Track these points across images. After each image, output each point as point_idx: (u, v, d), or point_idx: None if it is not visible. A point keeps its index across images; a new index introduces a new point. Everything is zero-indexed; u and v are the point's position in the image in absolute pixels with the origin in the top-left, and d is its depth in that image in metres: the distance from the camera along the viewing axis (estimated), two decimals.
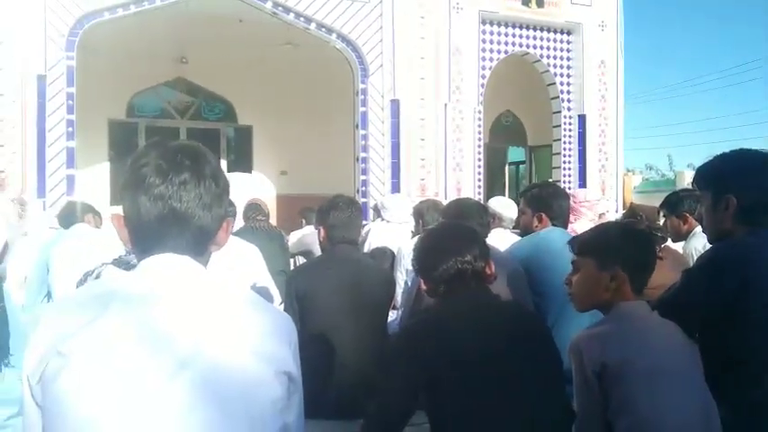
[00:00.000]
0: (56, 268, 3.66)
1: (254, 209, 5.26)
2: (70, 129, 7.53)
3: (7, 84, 7.13)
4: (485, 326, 1.87)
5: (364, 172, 9.00)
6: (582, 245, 2.01)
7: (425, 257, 2.02)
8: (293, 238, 6.05)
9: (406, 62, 8.86)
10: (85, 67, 7.80)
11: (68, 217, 3.82)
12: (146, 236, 1.21)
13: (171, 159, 1.20)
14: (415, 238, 4.12)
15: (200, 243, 1.23)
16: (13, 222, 5.52)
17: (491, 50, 9.64)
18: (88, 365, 1.08)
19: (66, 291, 3.35)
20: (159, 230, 1.19)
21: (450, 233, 2.07)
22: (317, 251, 5.01)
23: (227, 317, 1.18)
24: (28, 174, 7.28)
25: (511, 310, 2.09)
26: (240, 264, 3.54)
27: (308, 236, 5.72)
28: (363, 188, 9.00)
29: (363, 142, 8.97)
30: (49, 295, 3.89)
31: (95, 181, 9.83)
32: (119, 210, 1.28)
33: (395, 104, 8.86)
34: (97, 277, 2.62)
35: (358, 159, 9.08)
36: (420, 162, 8.97)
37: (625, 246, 1.96)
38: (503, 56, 9.75)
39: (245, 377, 1.15)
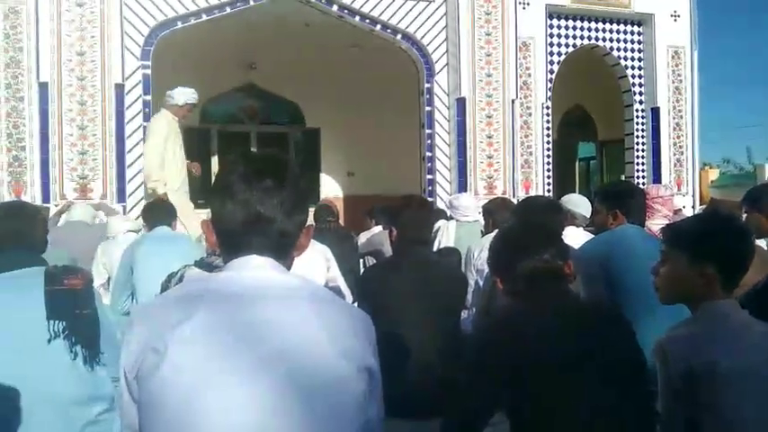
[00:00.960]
0: (140, 269, 3.81)
1: (325, 210, 5.34)
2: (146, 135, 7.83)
3: (90, 94, 7.47)
4: (565, 326, 1.85)
5: (430, 171, 8.99)
6: (674, 236, 1.89)
7: (502, 256, 2.01)
8: (362, 238, 6.10)
9: (472, 60, 8.80)
10: (160, 76, 8.08)
11: (152, 219, 3.96)
12: (232, 239, 1.28)
13: (256, 167, 1.28)
14: (485, 237, 4.11)
15: (282, 246, 1.29)
16: (94, 226, 5.79)
17: (559, 44, 9.46)
18: (181, 362, 1.13)
19: (150, 291, 3.48)
20: (244, 234, 1.26)
21: (528, 232, 2.05)
22: (387, 251, 5.04)
23: (310, 315, 1.23)
24: (108, 180, 7.60)
25: (592, 309, 2.05)
26: (313, 264, 3.60)
27: (376, 236, 5.76)
28: (429, 188, 9.00)
29: (429, 141, 8.97)
30: (132, 296, 4.04)
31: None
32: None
33: (461, 103, 8.82)
34: (180, 278, 2.72)
35: (424, 159, 9.08)
36: (487, 160, 8.90)
37: (723, 242, 1.82)
38: (571, 50, 9.56)
39: (330, 373, 1.19)
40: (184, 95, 6.79)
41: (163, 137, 6.62)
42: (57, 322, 2.40)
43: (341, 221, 6.58)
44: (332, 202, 5.87)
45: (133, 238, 4.43)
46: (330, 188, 11.81)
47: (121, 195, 7.67)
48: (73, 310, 2.44)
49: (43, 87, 7.35)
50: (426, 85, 8.93)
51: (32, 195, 7.36)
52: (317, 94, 11.06)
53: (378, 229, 6.15)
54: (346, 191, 11.87)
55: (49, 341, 2.37)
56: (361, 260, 5.90)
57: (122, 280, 4.02)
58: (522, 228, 2.16)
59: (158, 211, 4.04)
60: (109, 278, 4.56)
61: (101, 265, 4.68)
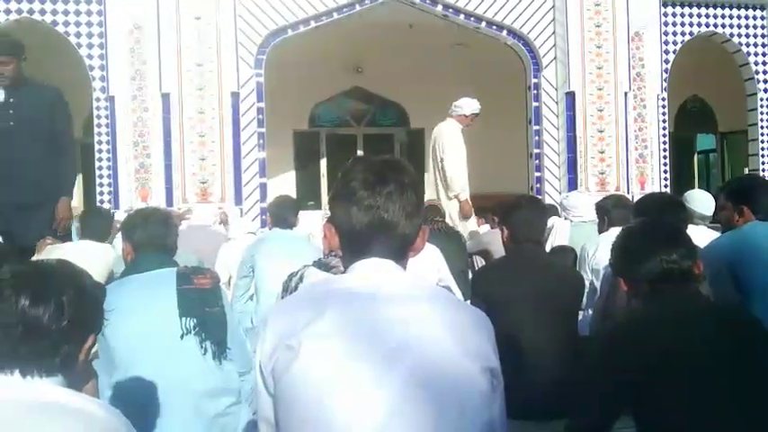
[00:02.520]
0: (260, 270, 3.97)
1: (432, 210, 5.35)
2: (261, 141, 8.16)
3: (208, 103, 7.87)
4: (695, 329, 1.77)
5: (538, 168, 8.81)
6: None
7: (627, 257, 1.94)
8: (471, 237, 6.07)
9: (581, 52, 8.55)
10: (272, 83, 8.39)
11: (282, 219, 4.11)
12: (355, 242, 1.32)
13: (377, 173, 1.31)
14: (601, 236, 3.98)
15: (401, 249, 1.33)
16: (217, 229, 6.09)
17: (674, 33, 9.02)
18: (314, 357, 1.19)
19: (270, 291, 3.62)
20: (367, 238, 1.30)
21: (654, 230, 1.97)
22: (496, 251, 5.00)
23: (433, 315, 1.26)
24: (226, 184, 7.97)
25: (724, 312, 1.95)
26: (424, 265, 3.62)
27: (485, 235, 5.72)
28: (538, 185, 8.82)
29: (537, 138, 8.80)
30: (252, 296, 4.22)
31: (283, 188, 10.51)
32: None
33: (570, 97, 8.58)
34: (301, 278, 2.81)
35: (532, 156, 8.91)
36: (599, 155, 8.61)
37: None
38: (687, 38, 9.08)
39: (454, 371, 1.21)
40: (470, 106, 7.09)
41: (462, 143, 6.80)
42: (188, 319, 2.56)
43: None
44: (438, 203, 5.87)
45: (252, 240, 4.62)
46: (435, 189, 11.82)
47: (238, 198, 8.03)
48: (203, 307, 2.59)
49: (165, 98, 7.81)
50: (533, 81, 8.77)
51: (157, 200, 7.84)
52: (421, 95, 11.10)
53: (486, 228, 6.10)
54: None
55: (182, 337, 2.53)
56: (470, 259, 5.87)
57: (243, 280, 4.20)
58: (648, 226, 2.07)
59: (283, 208, 4.19)
60: (230, 278, 4.78)
61: (222, 266, 4.91)
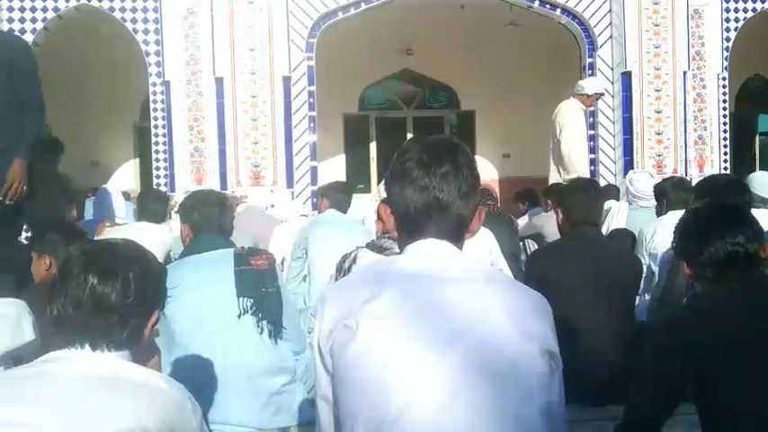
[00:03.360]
0: (313, 251, 4.02)
1: (485, 193, 5.31)
2: (312, 124, 8.21)
3: (260, 87, 7.96)
4: (763, 315, 1.71)
5: (593, 151, 8.62)
6: None
7: (691, 240, 1.89)
8: (522, 221, 6.01)
9: (638, 31, 8.30)
10: (322, 66, 8.42)
11: (335, 202, 4.14)
12: (410, 223, 1.32)
13: (432, 153, 1.31)
14: (659, 220, 3.89)
15: (457, 229, 1.32)
16: (267, 211, 6.17)
17: (736, 10, 8.66)
18: (372, 336, 1.20)
19: (323, 272, 3.66)
20: (423, 218, 1.30)
21: (719, 213, 1.91)
22: (549, 234, 4.93)
23: (490, 296, 1.25)
24: (278, 167, 8.06)
25: None
26: (476, 248, 3.60)
27: (538, 218, 5.65)
28: (592, 167, 8.62)
29: (592, 119, 8.60)
30: (305, 277, 4.28)
31: (333, 171, 10.58)
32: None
33: (626, 77, 8.35)
34: (354, 260, 2.84)
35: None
36: (656, 137, 8.37)
37: None
38: (750, 15, 8.71)
39: (513, 353, 1.20)
40: (594, 86, 6.99)
41: (582, 123, 6.84)
42: (245, 299, 2.61)
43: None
44: (491, 186, 5.82)
45: (305, 222, 4.68)
46: (486, 171, 11.70)
47: (290, 181, 8.12)
48: (259, 288, 2.64)
49: (219, 82, 7.93)
50: (588, 60, 8.56)
51: (212, 183, 7.98)
52: (472, 77, 11.00)
53: (536, 211, 6.03)
54: (502, 173, 11.71)
55: (239, 316, 2.59)
56: (521, 243, 5.81)
57: (297, 261, 4.26)
58: (713, 208, 2.01)
59: (337, 191, 4.22)
60: (283, 260, 4.85)
61: (275, 248, 4.99)
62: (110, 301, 1.31)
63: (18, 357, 1.67)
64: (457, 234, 1.32)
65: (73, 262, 1.34)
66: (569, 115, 6.64)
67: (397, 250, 2.86)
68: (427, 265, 1.27)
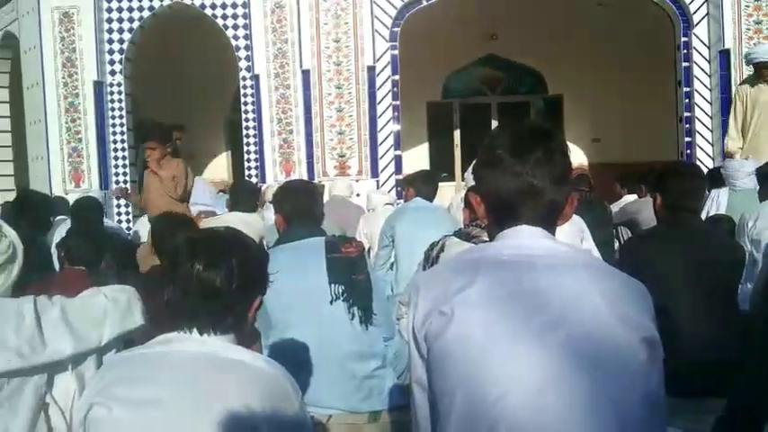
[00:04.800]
0: (400, 240, 4.06)
1: (580, 179, 5.18)
2: (396, 113, 8.25)
3: (345, 78, 8.06)
4: None
5: (689, 133, 8.25)
6: None
7: None
8: (614, 207, 5.83)
9: (737, 7, 7.85)
10: (405, 54, 8.42)
11: (421, 190, 4.17)
12: (502, 210, 1.31)
13: (524, 139, 1.29)
14: (762, 205, 3.70)
15: (550, 216, 1.30)
16: (353, 201, 6.27)
17: None
18: (467, 323, 1.20)
19: (411, 260, 3.69)
20: (515, 205, 1.28)
21: None
22: (644, 220, 4.77)
23: (586, 282, 1.23)
24: (363, 157, 8.16)
25: None
26: (568, 235, 3.54)
27: (632, 204, 5.47)
28: (688, 151, 8.26)
29: (687, 100, 8.22)
30: (392, 265, 4.32)
31: (417, 160, 10.60)
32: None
33: (724, 55, 7.92)
34: (442, 248, 2.85)
35: (681, 120, 8.35)
36: None
37: None
38: None
39: (613, 341, 1.18)
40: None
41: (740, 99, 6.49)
42: (336, 286, 2.68)
43: None
44: (586, 171, 5.67)
45: (392, 211, 4.72)
46: (574, 156, 11.36)
47: (374, 171, 8.20)
48: (350, 275, 2.70)
49: (305, 74, 8.08)
50: (683, 39, 8.17)
51: (300, 174, 8.17)
52: (559, 60, 10.71)
53: (632, 197, 5.83)
54: (592, 158, 11.38)
55: (331, 302, 2.66)
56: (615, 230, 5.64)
57: (384, 250, 4.31)
58: None
59: (423, 180, 4.24)
60: (369, 248, 4.92)
61: (362, 236, 5.06)
62: (215, 288, 1.38)
63: (129, 341, 1.78)
64: (550, 220, 1.31)
65: (180, 251, 1.42)
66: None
67: (486, 238, 2.85)
68: (522, 251, 1.26)
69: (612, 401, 1.15)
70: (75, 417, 1.42)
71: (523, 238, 1.28)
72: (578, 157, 11.24)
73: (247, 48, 8.21)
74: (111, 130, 8.36)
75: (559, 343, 1.17)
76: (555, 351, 1.16)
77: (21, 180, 9.74)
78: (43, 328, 1.59)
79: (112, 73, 8.39)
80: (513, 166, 1.27)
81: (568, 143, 1.37)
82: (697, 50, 8.10)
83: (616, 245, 5.06)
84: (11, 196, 7.88)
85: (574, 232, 3.64)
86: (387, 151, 8.25)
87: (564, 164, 1.30)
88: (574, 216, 3.73)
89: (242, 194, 4.50)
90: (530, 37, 10.43)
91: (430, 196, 4.20)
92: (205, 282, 1.37)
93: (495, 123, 11.67)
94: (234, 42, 8.25)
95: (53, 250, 3.86)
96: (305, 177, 7.88)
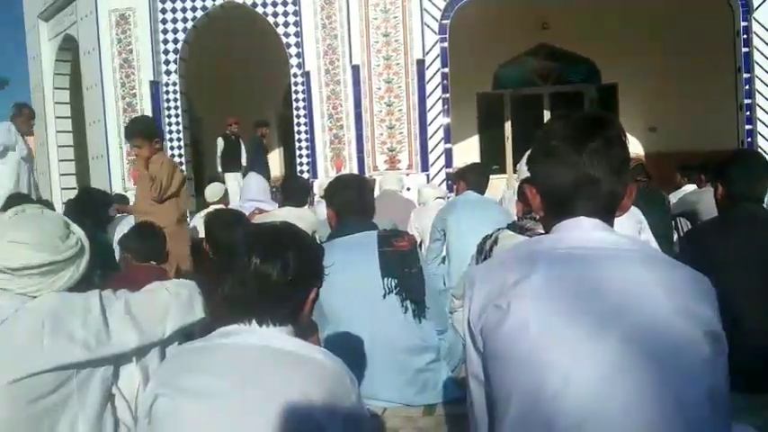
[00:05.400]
0: (452, 233, 4.04)
1: (637, 169, 5.07)
2: (446, 106, 8.22)
3: (395, 72, 8.07)
4: None
5: (749, 121, 7.97)
6: None
7: None
8: (673, 198, 5.68)
9: None
10: (455, 46, 8.37)
11: (472, 183, 4.15)
12: (558, 202, 1.28)
13: (580, 128, 1.26)
14: None
15: (608, 207, 1.28)
16: (403, 195, 6.27)
17: None
18: (524, 317, 1.18)
19: (463, 254, 3.67)
20: (572, 196, 1.26)
21: None
22: (704, 211, 4.63)
23: (645, 274, 1.20)
24: (413, 151, 8.15)
25: None
26: (625, 227, 3.46)
27: (691, 194, 5.31)
28: (749, 139, 7.99)
29: (747, 87, 7.95)
30: (444, 258, 4.31)
31: (467, 153, 10.54)
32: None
33: None
34: (495, 241, 2.82)
35: (741, 107, 8.07)
36: None
37: None
38: None
39: (674, 335, 1.15)
40: None
41: None
42: (389, 279, 2.68)
43: None
44: (642, 160, 5.54)
45: (443, 204, 4.71)
46: (630, 146, 11.07)
47: (424, 165, 8.18)
48: (402, 268, 2.70)
49: (355, 70, 8.12)
50: (743, 24, 7.90)
51: (350, 168, 8.22)
52: (613, 48, 10.48)
53: (691, 187, 5.66)
54: (648, 148, 11.11)
55: (384, 296, 2.66)
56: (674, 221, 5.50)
57: (435, 243, 4.30)
58: None
59: (474, 172, 4.22)
60: (420, 242, 4.91)
61: (414, 230, 5.06)
62: (271, 280, 1.40)
63: (190, 333, 1.82)
64: (608, 212, 1.28)
65: (238, 245, 1.45)
66: None
67: (540, 231, 2.81)
68: (579, 243, 1.24)
69: (675, 396, 1.12)
70: (141, 407, 1.47)
71: (581, 231, 1.26)
72: (634, 146, 10.98)
73: (298, 45, 8.29)
74: (167, 128, 8.57)
75: (619, 337, 1.14)
76: (615, 345, 1.14)
77: (82, 178, 10.09)
78: (109, 321, 1.65)
79: (167, 73, 8.59)
80: (568, 156, 1.24)
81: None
82: (757, 35, 7.82)
83: (675, 236, 4.93)
84: (73, 194, 8.18)
85: (632, 224, 3.55)
86: (437, 144, 8.22)
87: (622, 153, 1.27)
88: (632, 207, 3.65)
89: (293, 190, 4.55)
90: (582, 25, 10.24)
91: (481, 189, 4.16)
92: (261, 274, 1.40)
93: (547, 114, 11.51)
94: (284, 40, 8.34)
95: (114, 246, 3.99)
96: (355, 172, 7.93)
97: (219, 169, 9.59)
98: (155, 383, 1.43)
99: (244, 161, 9.64)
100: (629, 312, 1.16)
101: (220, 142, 9.61)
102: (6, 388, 1.51)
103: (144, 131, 4.01)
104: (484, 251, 2.91)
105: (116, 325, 1.66)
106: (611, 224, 1.29)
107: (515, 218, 3.15)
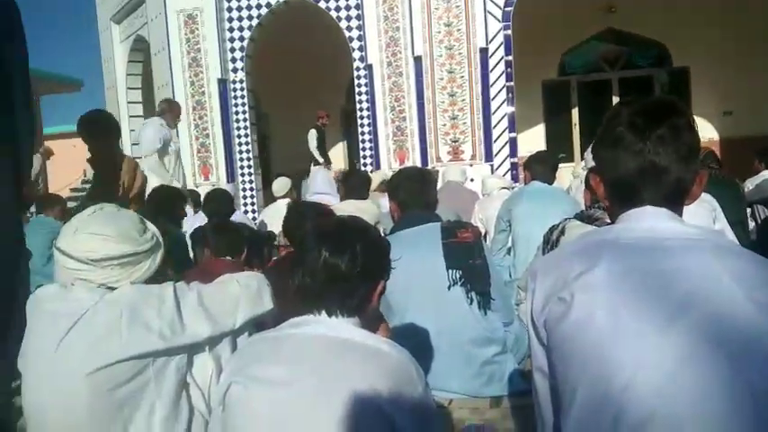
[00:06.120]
0: (518, 224, 3.99)
1: (707, 156, 4.88)
2: (510, 95, 8.11)
3: (457, 62, 8.01)
4: None
5: None
6: None
7: None
8: (749, 184, 5.44)
9: None
10: (519, 34, 8.24)
11: (538, 172, 4.08)
12: (623, 190, 1.26)
13: (646, 115, 1.23)
14: None
15: (676, 195, 1.24)
16: (466, 186, 6.23)
17: None
18: (589, 309, 1.16)
19: (529, 245, 3.63)
20: (637, 185, 1.23)
21: None
22: None
23: (716, 265, 1.16)
24: (477, 141, 8.08)
25: None
26: (698, 215, 3.35)
27: (767, 181, 5.08)
28: None
29: None
30: (509, 250, 4.27)
31: (533, 142, 10.37)
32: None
33: None
34: (562, 231, 2.78)
35: None
36: None
37: None
38: None
39: (745, 325, 1.11)
40: None
41: None
42: (454, 271, 2.68)
43: None
44: (711, 148, 5.33)
45: (508, 195, 4.65)
46: (703, 131, 10.74)
47: (488, 155, 8.11)
48: (466, 260, 2.69)
49: (417, 61, 8.11)
50: None
51: (413, 160, 8.22)
52: (684, 30, 10.10)
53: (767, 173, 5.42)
54: (722, 132, 10.67)
55: (449, 288, 2.66)
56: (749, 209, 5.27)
57: (501, 234, 4.26)
58: None
59: (539, 162, 4.15)
60: (485, 233, 4.88)
61: (478, 221, 5.03)
62: (339, 272, 1.44)
63: (260, 324, 1.88)
64: (676, 200, 1.24)
65: (308, 237, 1.49)
66: None
67: (609, 220, 2.75)
68: (646, 233, 1.21)
69: (750, 391, 1.09)
70: (216, 395, 1.52)
71: (647, 220, 1.23)
72: (708, 131, 10.57)
73: (360, 38, 8.34)
74: (235, 125, 8.78)
75: (689, 328, 1.11)
76: (685, 336, 1.11)
77: None
78: (182, 312, 1.71)
79: (234, 70, 8.79)
80: (634, 143, 1.22)
81: (696, 118, 1.30)
82: None
83: (752, 224, 4.73)
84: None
85: (705, 212, 3.44)
86: (501, 134, 8.13)
87: (691, 140, 1.23)
88: (704, 195, 3.52)
89: (355, 183, 4.59)
90: (651, 7, 9.91)
91: (548, 178, 4.09)
92: (330, 266, 1.44)
93: (616, 100, 11.20)
94: (347, 34, 8.40)
95: (187, 241, 4.13)
96: (418, 164, 7.94)
97: (321, 160, 9.73)
98: (229, 372, 1.49)
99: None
100: (697, 303, 1.13)
101: (313, 134, 9.78)
102: (88, 378, 1.59)
103: (105, 129, 3.93)
104: (550, 242, 2.87)
105: (189, 316, 1.72)
106: (680, 213, 1.26)
107: (583, 207, 3.09)
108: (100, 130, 4.03)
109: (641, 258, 1.19)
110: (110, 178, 4.03)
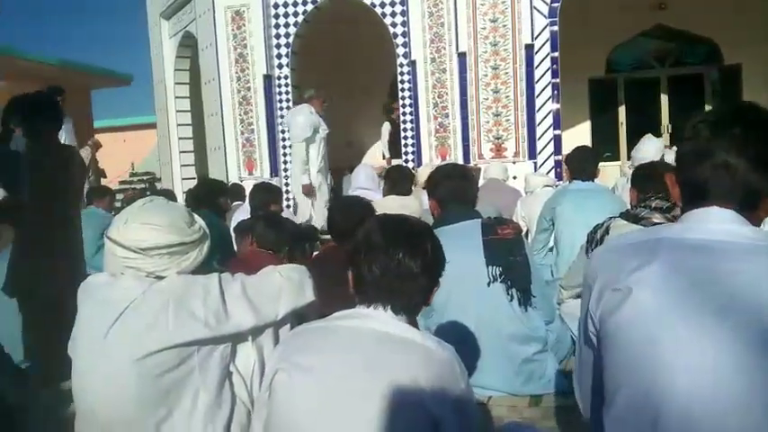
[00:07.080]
0: (561, 222, 3.95)
1: None
2: (555, 92, 8.00)
3: (502, 58, 7.94)
4: None
5: None
6: None
7: None
8: None
9: None
10: (566, 30, 8.12)
11: (581, 171, 4.02)
12: (692, 189, 1.26)
13: (725, 114, 1.25)
14: None
15: (746, 199, 1.22)
16: (508, 184, 6.18)
17: None
18: (642, 304, 1.17)
19: (572, 243, 3.59)
20: (704, 182, 1.23)
21: None
22: None
23: None
24: (520, 138, 8.01)
25: None
26: None
27: None
28: None
29: None
30: (552, 248, 4.23)
31: (578, 139, 10.20)
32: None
33: None
34: (606, 230, 2.75)
35: None
36: None
37: None
38: None
39: None
40: None
41: None
42: (494, 267, 2.67)
43: None
44: None
45: (551, 193, 4.60)
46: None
47: (532, 153, 8.02)
48: (507, 257, 2.68)
49: (462, 57, 8.06)
50: None
51: (455, 157, 8.19)
52: (736, 27, 9.81)
53: None
54: None
55: (489, 284, 2.66)
56: None
57: (543, 233, 4.22)
58: None
59: (583, 160, 4.09)
60: (527, 231, 4.83)
61: (520, 219, 4.99)
62: (412, 270, 1.47)
63: (302, 315, 1.90)
64: (747, 203, 1.22)
65: (376, 234, 1.51)
66: None
67: (656, 220, 2.71)
68: (702, 235, 1.20)
69: None
70: (264, 381, 1.56)
71: (708, 221, 1.22)
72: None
73: (404, 34, 8.33)
74: (279, 120, 8.87)
75: (739, 330, 1.10)
76: (731, 341, 1.10)
77: (201, 169, 10.63)
78: (227, 301, 1.75)
79: (280, 66, 8.88)
80: (707, 141, 1.22)
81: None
82: None
83: None
84: (192, 184, 8.65)
85: None
86: (545, 131, 8.03)
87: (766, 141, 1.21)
88: None
89: (397, 179, 4.60)
90: (701, 3, 9.65)
91: (587, 175, 4.01)
92: (404, 264, 1.46)
93: (664, 98, 10.96)
94: (392, 30, 8.40)
95: (231, 233, 4.20)
96: (460, 161, 7.90)
97: (387, 155, 9.78)
98: (276, 359, 1.52)
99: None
100: (747, 308, 1.12)
101: (386, 127, 9.84)
102: (135, 364, 1.64)
103: (51, 115, 3.48)
104: (594, 241, 2.84)
105: (233, 306, 1.76)
106: (755, 218, 1.24)
107: (629, 206, 3.04)
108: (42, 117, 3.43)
109: (696, 259, 1.18)
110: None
